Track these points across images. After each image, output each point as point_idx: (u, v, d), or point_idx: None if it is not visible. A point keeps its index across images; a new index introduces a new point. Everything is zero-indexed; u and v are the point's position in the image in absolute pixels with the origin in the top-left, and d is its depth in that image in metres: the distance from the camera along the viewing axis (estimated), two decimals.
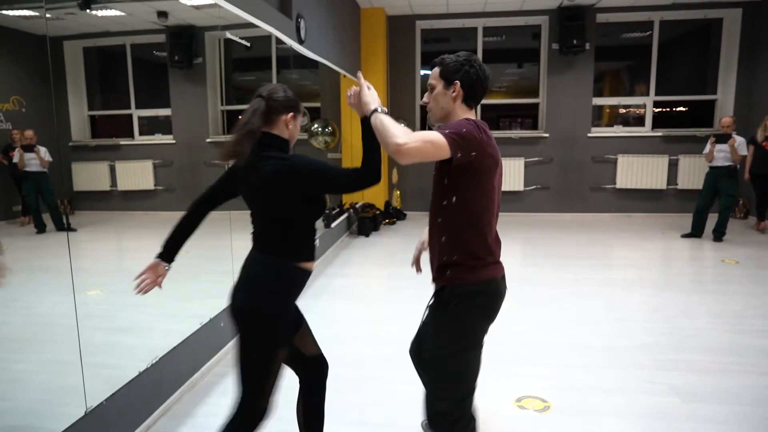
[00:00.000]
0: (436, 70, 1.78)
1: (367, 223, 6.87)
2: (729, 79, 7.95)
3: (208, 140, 8.52)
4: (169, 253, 1.88)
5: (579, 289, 4.41)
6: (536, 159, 8.21)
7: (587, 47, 7.70)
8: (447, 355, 1.71)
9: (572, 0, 7.25)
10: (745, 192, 7.24)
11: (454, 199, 1.70)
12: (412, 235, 6.87)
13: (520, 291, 4.34)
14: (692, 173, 7.93)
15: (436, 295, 1.78)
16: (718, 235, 6.23)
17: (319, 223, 6.30)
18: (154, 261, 1.85)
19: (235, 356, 1.72)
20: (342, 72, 6.56)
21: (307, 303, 4.15)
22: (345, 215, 6.85)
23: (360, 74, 1.89)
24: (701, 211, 6.36)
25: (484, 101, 8.04)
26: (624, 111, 8.72)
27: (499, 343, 3.18)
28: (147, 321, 3.25)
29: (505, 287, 1.77)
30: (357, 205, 7.30)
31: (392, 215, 7.82)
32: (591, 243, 6.35)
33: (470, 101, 1.76)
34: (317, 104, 8.24)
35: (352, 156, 7.84)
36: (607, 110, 8.78)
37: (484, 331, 1.74)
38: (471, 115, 1.78)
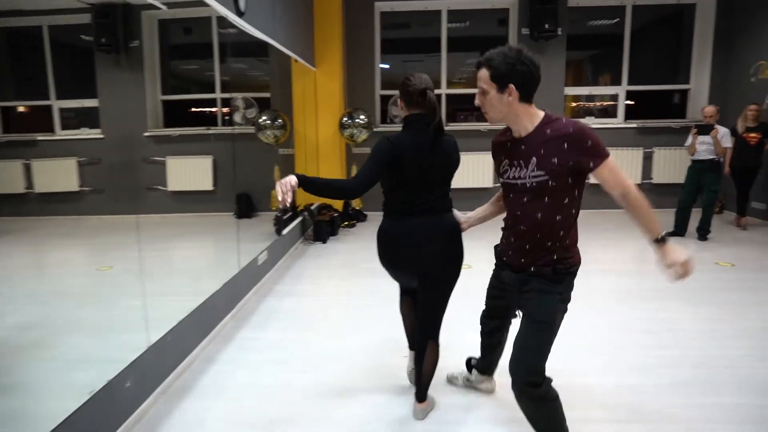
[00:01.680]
0: (485, 72, 1.77)
1: (324, 227, 6.11)
2: (703, 67, 7.59)
3: (147, 134, 7.54)
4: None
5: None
6: None
7: (559, 32, 7.16)
8: (556, 319, 1.89)
9: None
10: (722, 186, 6.89)
11: (566, 200, 1.82)
12: (374, 239, 6.15)
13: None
14: (668, 166, 7.54)
15: (554, 273, 1.86)
16: (703, 233, 5.81)
17: (269, 229, 5.50)
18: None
19: (439, 298, 2.29)
20: (293, 56, 5.76)
21: (251, 335, 3.38)
22: (299, 219, 6.07)
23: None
24: (685, 207, 5.92)
25: (447, 91, 7.26)
26: (589, 104, 8.27)
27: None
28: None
29: None
30: (312, 207, 6.53)
31: (352, 217, 7.09)
32: None
33: (529, 97, 1.78)
34: (267, 95, 7.41)
35: (306, 151, 7.05)
36: (572, 104, 8.31)
37: None
38: (533, 109, 1.82)
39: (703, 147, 5.71)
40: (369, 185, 2.03)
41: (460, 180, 7.66)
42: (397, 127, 7.64)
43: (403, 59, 8.63)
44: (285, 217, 5.69)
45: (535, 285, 1.88)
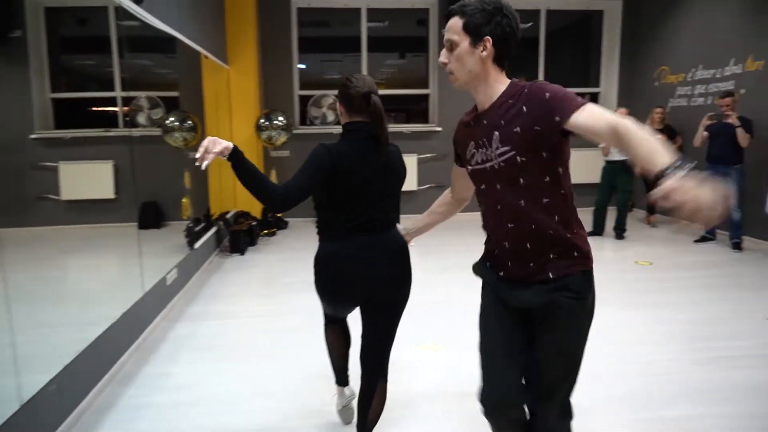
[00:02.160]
0: (457, 21, 1.45)
1: (241, 237, 5.66)
2: (611, 71, 7.92)
3: (34, 136, 6.65)
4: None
5: None
6: (430, 155, 7.54)
7: None
8: (582, 343, 1.55)
9: None
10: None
11: (547, 178, 1.47)
12: (297, 248, 5.80)
13: (426, 315, 3.52)
14: (582, 167, 7.74)
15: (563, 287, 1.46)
16: (620, 232, 6.00)
17: (180, 241, 4.98)
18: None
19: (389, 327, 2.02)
20: (203, 52, 5.27)
21: (159, 371, 2.93)
22: (213, 230, 5.58)
23: None
24: (601, 207, 6.09)
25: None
26: None
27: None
28: None
29: None
30: (228, 216, 6.05)
31: (272, 224, 6.67)
32: None
33: (503, 60, 1.48)
34: (175, 94, 6.79)
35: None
36: None
37: None
38: (504, 77, 1.50)
39: (616, 148, 5.89)
40: (301, 198, 1.75)
41: None
42: (319, 130, 7.34)
43: (322, 59, 8.31)
44: (197, 228, 5.20)
45: (563, 301, 1.45)
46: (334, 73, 8.33)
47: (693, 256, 5.29)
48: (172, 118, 5.97)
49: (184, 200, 5.89)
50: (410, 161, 7.43)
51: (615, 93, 7.87)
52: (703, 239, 5.78)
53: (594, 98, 8.22)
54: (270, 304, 4.04)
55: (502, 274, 1.56)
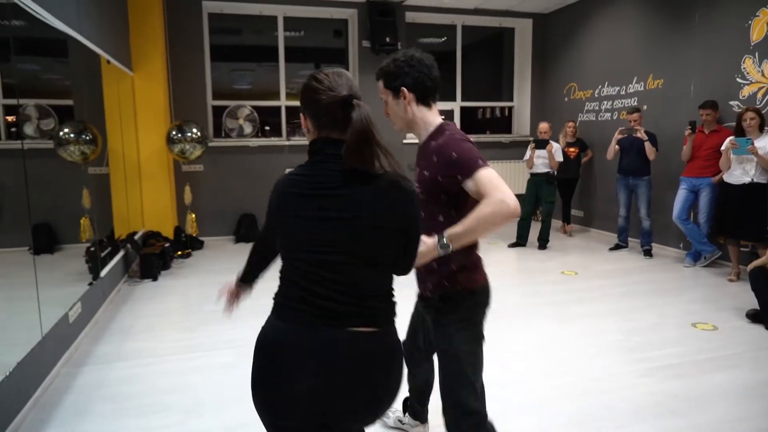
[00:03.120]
0: (380, 83, 1.73)
1: (153, 261, 5.13)
2: (524, 86, 8.23)
3: None
4: None
5: None
6: None
7: (399, 47, 7.13)
8: (472, 352, 1.76)
9: None
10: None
11: (440, 217, 1.68)
12: (216, 271, 5.37)
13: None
14: (506, 179, 7.97)
15: (443, 303, 1.75)
16: (543, 243, 6.18)
17: (79, 267, 4.40)
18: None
19: None
20: (104, 55, 4.74)
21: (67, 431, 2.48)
22: (120, 254, 5.00)
23: None
24: (526, 218, 6.24)
25: (287, 103, 6.63)
26: None
27: None
28: None
29: None
30: (136, 237, 5.48)
31: (186, 245, 6.15)
32: None
33: (426, 99, 1.71)
34: (69, 102, 6.08)
35: (125, 171, 5.92)
36: None
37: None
38: (435, 115, 1.75)
39: (540, 161, 6.09)
40: (264, 250, 1.71)
41: None
42: (236, 143, 6.92)
43: (232, 68, 7.85)
44: (104, 252, 4.63)
45: (432, 314, 1.81)
46: (245, 83, 7.90)
47: (610, 264, 5.54)
48: (66, 130, 5.31)
49: (83, 221, 5.27)
50: None
51: (528, 107, 8.18)
52: (616, 247, 6.10)
53: (509, 112, 8.51)
54: (192, 338, 3.64)
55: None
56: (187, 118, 6.19)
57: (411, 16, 7.49)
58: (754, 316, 3.76)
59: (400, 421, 2.41)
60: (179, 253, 5.92)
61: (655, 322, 3.80)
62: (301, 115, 1.37)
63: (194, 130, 5.90)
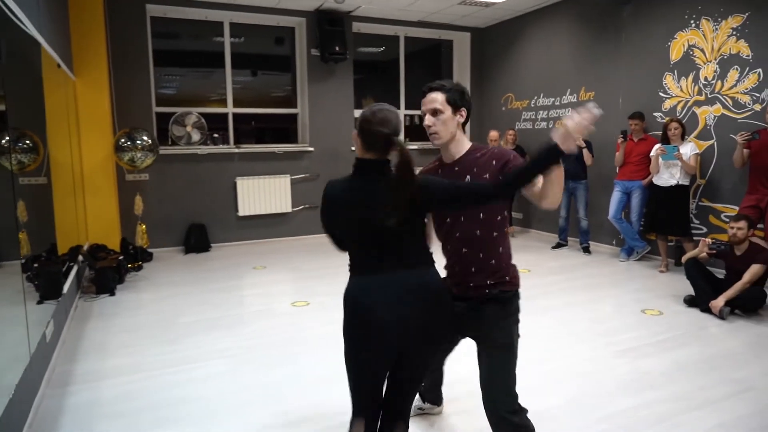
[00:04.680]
0: (440, 95, 1.89)
1: (109, 274, 4.89)
2: None
3: None
4: None
5: None
6: (302, 176, 7.40)
7: (348, 56, 7.28)
8: (515, 348, 1.98)
9: (339, 1, 6.66)
10: None
11: (499, 217, 1.93)
12: (177, 282, 5.21)
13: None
14: None
15: (506, 299, 1.94)
16: None
17: (18, 284, 4.10)
18: None
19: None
20: (57, 60, 4.48)
21: None
22: (74, 269, 4.71)
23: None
24: None
25: (234, 110, 6.59)
26: None
27: None
28: None
29: None
30: (85, 249, 5.19)
31: (136, 257, 5.89)
32: None
33: (464, 126, 1.97)
34: (1, 107, 5.63)
35: (66, 181, 5.57)
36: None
37: None
38: (466, 138, 2.00)
39: None
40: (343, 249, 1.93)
41: (260, 206, 7.11)
42: (184, 150, 6.70)
43: (165, 73, 7.59)
44: (64, 268, 4.35)
45: (490, 312, 1.93)
46: (171, 89, 7.65)
47: (556, 261, 6.01)
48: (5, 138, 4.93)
49: (21, 235, 4.92)
50: (283, 182, 7.22)
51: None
52: (558, 245, 6.61)
53: None
54: (178, 351, 3.55)
55: (455, 291, 1.99)
56: (131, 126, 5.94)
57: (357, 26, 7.66)
58: (690, 301, 4.29)
59: (420, 408, 2.62)
60: (130, 265, 5.66)
61: (612, 311, 4.24)
62: (354, 132, 1.79)
63: (145, 138, 5.68)
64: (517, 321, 1.98)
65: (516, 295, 1.97)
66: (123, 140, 5.58)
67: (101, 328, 3.98)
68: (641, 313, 4.18)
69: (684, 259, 4.42)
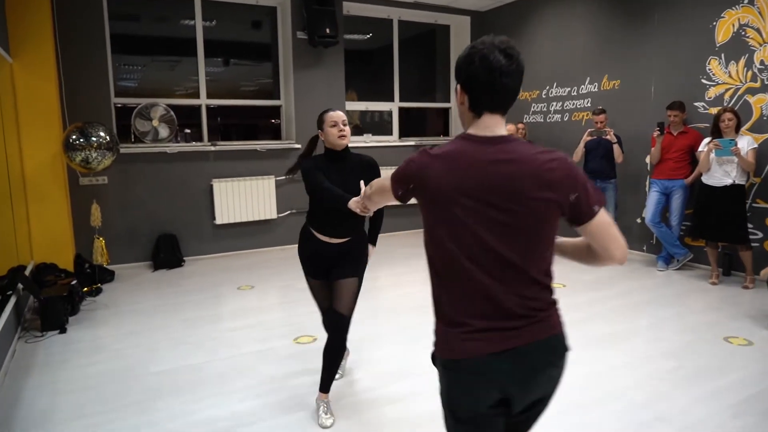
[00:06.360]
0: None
1: (59, 306, 3.88)
2: None
3: None
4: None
5: None
6: (289, 176, 6.44)
7: (339, 40, 6.38)
8: None
9: None
10: None
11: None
12: (141, 310, 4.24)
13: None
14: None
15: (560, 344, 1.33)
16: None
17: None
18: None
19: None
20: None
21: None
22: (12, 299, 3.68)
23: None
24: None
25: (208, 101, 5.48)
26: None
27: None
28: None
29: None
30: (26, 272, 4.16)
31: (93, 278, 4.87)
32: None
33: (478, 108, 1.32)
34: None
35: (10, 186, 4.51)
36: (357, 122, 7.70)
37: None
38: (478, 126, 1.33)
39: None
40: None
41: (240, 212, 6.17)
42: (150, 149, 5.66)
43: (124, 62, 6.48)
44: None
45: (546, 361, 1.34)
46: (132, 81, 6.57)
47: (587, 273, 5.25)
48: None
49: None
50: (267, 184, 6.28)
51: None
52: None
53: (444, 113, 8.11)
54: (153, 422, 2.61)
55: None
56: (84, 119, 4.90)
57: (348, 7, 6.77)
58: None
59: None
60: (86, 289, 4.64)
61: (690, 340, 3.50)
62: None
63: (101, 134, 4.66)
64: None
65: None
66: (74, 137, 4.55)
67: (46, 386, 3.00)
68: (725, 342, 3.46)
69: (765, 273, 3.72)
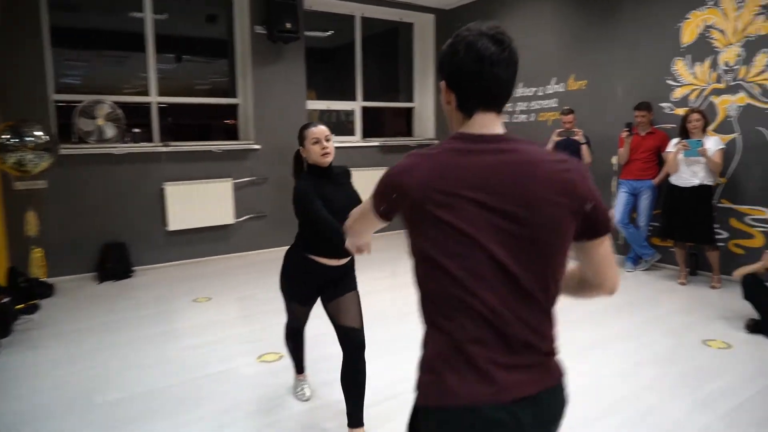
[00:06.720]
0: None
1: None
2: (426, 86, 7.72)
3: None
4: None
5: None
6: (247, 179, 6.12)
7: (300, 36, 6.09)
8: None
9: None
10: None
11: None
12: (86, 328, 3.85)
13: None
14: None
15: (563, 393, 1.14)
16: None
17: None
18: None
19: None
20: None
21: None
22: None
23: None
24: None
25: (159, 99, 5.09)
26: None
27: None
28: None
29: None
30: None
31: (29, 293, 4.40)
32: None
33: (467, 106, 1.13)
34: None
35: None
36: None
37: None
38: (471, 127, 1.13)
39: None
40: None
41: (195, 218, 5.80)
42: (96, 150, 5.21)
43: (66, 57, 5.96)
44: None
45: (553, 412, 1.17)
46: (97, 77, 6.09)
47: None
48: None
49: None
50: (224, 187, 5.92)
51: (431, 108, 7.69)
52: None
53: (409, 113, 7.93)
54: None
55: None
56: (18, 117, 4.44)
57: (310, 2, 6.49)
58: (753, 327, 3.57)
59: None
60: (20, 306, 4.18)
61: (671, 344, 3.42)
62: None
63: (38, 133, 4.22)
64: None
65: None
66: (6, 136, 4.09)
67: None
68: (703, 345, 3.40)
69: (739, 274, 3.70)
